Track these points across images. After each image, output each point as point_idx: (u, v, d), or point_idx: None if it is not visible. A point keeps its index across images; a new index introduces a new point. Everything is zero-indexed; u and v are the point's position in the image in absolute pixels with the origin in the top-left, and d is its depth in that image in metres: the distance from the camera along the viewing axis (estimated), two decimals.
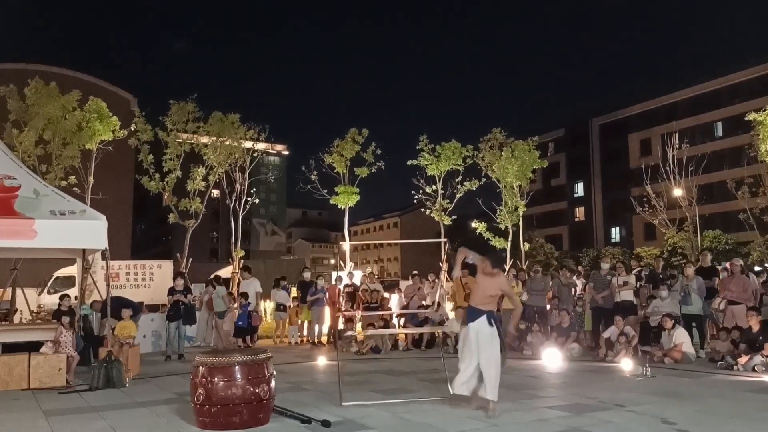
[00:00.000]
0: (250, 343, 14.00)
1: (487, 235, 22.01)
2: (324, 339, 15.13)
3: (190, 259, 18.27)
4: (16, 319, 13.14)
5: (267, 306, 19.50)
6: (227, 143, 19.56)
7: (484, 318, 6.83)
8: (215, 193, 21.90)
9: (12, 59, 38.29)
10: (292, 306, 15.55)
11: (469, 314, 7.03)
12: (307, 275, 16.04)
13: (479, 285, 7.12)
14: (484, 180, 21.83)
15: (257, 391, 5.91)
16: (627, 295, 12.32)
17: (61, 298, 12.08)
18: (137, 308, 12.00)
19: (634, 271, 13.26)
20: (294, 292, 15.89)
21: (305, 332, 15.42)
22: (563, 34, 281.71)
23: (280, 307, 15.49)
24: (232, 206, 20.94)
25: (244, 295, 14.28)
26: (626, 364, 9.92)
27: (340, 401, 7.09)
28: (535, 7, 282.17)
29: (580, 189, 73.65)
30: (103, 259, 9.66)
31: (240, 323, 14.03)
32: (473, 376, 6.78)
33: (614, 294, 12.39)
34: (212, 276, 15.86)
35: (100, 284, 13.65)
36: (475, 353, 6.75)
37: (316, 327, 15.09)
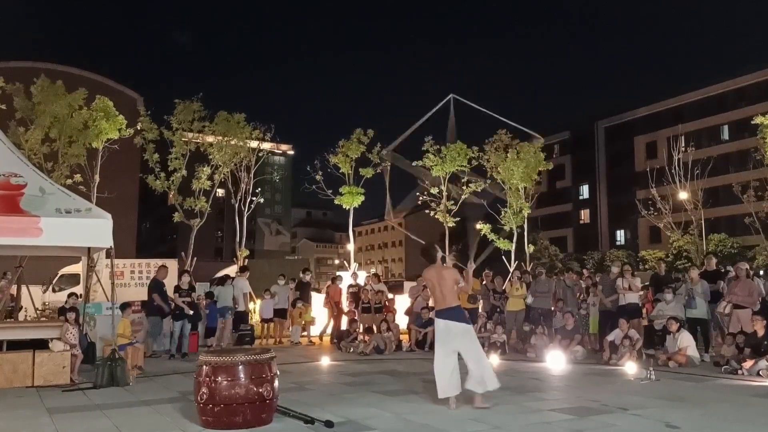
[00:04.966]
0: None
1: (491, 236, 21.99)
2: (315, 339, 15.37)
3: (195, 258, 18.29)
4: (20, 316, 13.18)
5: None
6: (233, 143, 19.59)
7: (453, 316, 7.01)
8: (220, 192, 21.89)
9: (19, 57, 38.43)
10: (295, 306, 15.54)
11: (439, 315, 7.14)
12: (307, 277, 16.20)
13: (436, 284, 7.17)
14: (489, 181, 21.79)
15: (260, 390, 5.92)
16: (632, 297, 12.31)
17: (69, 296, 12.12)
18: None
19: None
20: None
21: (311, 332, 15.51)
22: (569, 36, 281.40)
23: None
24: (237, 205, 20.98)
25: (209, 295, 14.02)
26: (630, 367, 9.90)
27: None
28: (541, 8, 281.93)
29: (585, 191, 73.48)
30: (108, 257, 9.68)
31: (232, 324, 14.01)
32: (455, 375, 6.93)
33: (619, 296, 12.38)
34: (222, 275, 15.88)
35: (104, 282, 13.67)
36: (455, 351, 6.95)
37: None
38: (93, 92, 18.53)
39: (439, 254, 7.38)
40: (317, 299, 16.30)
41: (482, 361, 7.04)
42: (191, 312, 12.76)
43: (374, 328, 14.13)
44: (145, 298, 14.01)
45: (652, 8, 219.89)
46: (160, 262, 17.72)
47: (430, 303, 14.43)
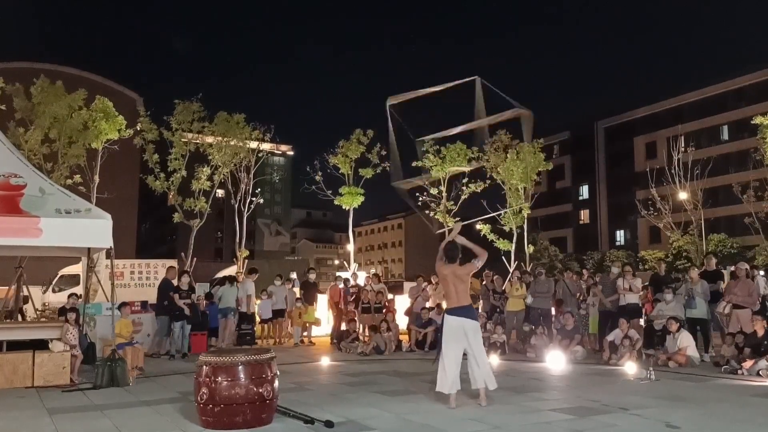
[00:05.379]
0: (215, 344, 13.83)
1: (491, 237, 21.98)
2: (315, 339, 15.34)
3: (195, 259, 18.28)
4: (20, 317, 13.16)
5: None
6: (232, 143, 19.59)
7: (466, 314, 7.07)
8: (220, 192, 21.91)
9: (19, 57, 38.45)
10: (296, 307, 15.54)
11: (452, 313, 7.14)
12: (312, 277, 16.26)
13: (451, 283, 7.17)
14: (488, 182, 21.79)
15: (260, 391, 5.92)
16: (632, 297, 12.32)
17: (69, 296, 12.12)
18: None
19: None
20: (297, 293, 15.90)
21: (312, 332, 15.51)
22: (569, 36, 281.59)
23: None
24: (236, 206, 20.97)
25: (209, 296, 14.15)
26: (630, 367, 9.89)
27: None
28: (541, 8, 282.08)
29: (585, 192, 73.52)
30: (107, 257, 9.68)
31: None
32: (457, 373, 6.99)
33: (619, 296, 12.39)
34: (225, 276, 16.00)
35: (104, 283, 13.68)
36: (462, 349, 7.02)
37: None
38: (93, 93, 18.52)
39: (459, 255, 7.38)
40: (322, 300, 16.27)
41: (486, 360, 7.19)
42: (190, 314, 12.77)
43: (375, 327, 14.12)
44: (145, 298, 14.05)
45: (652, 8, 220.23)
46: (159, 262, 17.79)
47: (430, 303, 14.46)
